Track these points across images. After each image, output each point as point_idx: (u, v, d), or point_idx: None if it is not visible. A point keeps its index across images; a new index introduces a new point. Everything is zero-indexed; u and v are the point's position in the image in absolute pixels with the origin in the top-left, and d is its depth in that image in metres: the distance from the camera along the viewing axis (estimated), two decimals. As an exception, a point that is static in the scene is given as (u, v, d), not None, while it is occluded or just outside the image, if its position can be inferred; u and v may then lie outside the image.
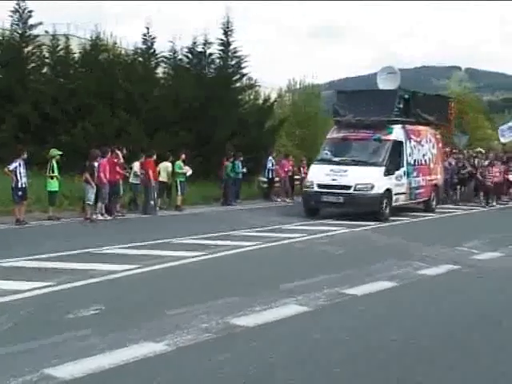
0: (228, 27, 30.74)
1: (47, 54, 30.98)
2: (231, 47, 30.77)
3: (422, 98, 23.18)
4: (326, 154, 21.02)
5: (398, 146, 20.76)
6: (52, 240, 14.34)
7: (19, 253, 12.12)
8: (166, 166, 21.82)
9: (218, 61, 30.98)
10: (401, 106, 21.12)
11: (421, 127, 22.83)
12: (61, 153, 18.41)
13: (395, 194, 20.30)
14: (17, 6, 30.28)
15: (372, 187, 19.24)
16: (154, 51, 30.76)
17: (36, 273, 10.46)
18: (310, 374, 6.21)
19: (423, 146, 22.65)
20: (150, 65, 30.77)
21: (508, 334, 7.72)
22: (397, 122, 21.02)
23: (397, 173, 20.42)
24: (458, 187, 27.51)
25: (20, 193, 16.80)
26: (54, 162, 17.99)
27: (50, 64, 31.11)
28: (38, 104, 28.41)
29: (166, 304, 8.67)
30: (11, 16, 30.53)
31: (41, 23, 30.91)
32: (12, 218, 16.68)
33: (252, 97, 34.26)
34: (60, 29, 33.51)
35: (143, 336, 7.17)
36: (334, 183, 19.38)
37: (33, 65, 30.87)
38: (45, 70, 31.16)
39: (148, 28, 30.25)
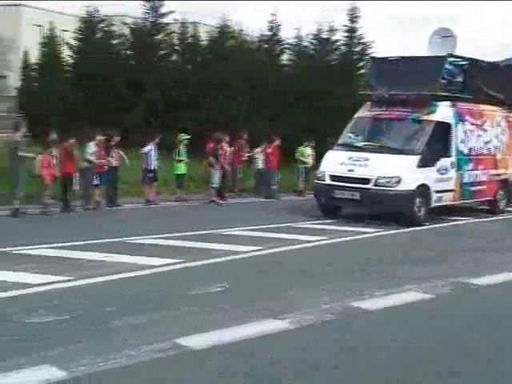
0: (354, 13, 30.65)
1: (176, 42, 32.03)
2: (356, 33, 30.70)
3: (486, 69, 17.86)
4: (349, 137, 16.62)
5: (443, 130, 16.11)
6: (179, 220, 15.06)
7: (150, 231, 12.71)
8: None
9: (343, 47, 30.99)
10: (452, 77, 16.60)
11: (484, 106, 17.83)
12: (188, 137, 19.06)
13: (436, 192, 15.73)
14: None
15: (398, 181, 14.85)
16: (280, 38, 31.17)
17: (166, 250, 10.98)
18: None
19: (486, 130, 17.71)
20: (275, 51, 31.18)
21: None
22: (445, 99, 16.33)
23: (439, 164, 15.79)
24: None
25: (151, 175, 17.60)
26: (181, 147, 18.68)
27: (178, 51, 32.14)
28: (166, 90, 29.41)
29: (288, 284, 8.92)
30: (144, 5, 31.76)
31: (172, 12, 31.97)
32: (142, 199, 17.48)
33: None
34: (189, 17, 34.42)
35: (266, 313, 7.41)
36: (350, 175, 15.20)
37: (162, 52, 31.98)
38: (174, 58, 32.23)
39: (274, 15, 30.66)
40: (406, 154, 15.37)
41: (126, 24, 32.38)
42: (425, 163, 15.33)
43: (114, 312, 7.32)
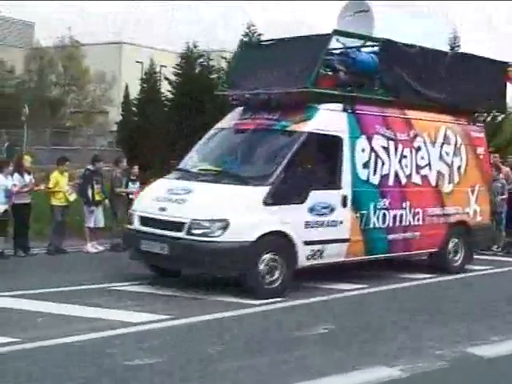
0: (455, 43, 29.87)
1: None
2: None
3: (421, 58, 11.95)
4: (191, 158, 11.45)
5: (326, 146, 10.63)
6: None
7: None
8: None
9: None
10: (350, 68, 11.25)
11: (418, 113, 12.08)
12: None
13: (308, 244, 10.18)
14: (247, 30, 31.72)
15: (224, 227, 9.50)
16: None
17: None
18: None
19: (421, 149, 12.00)
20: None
21: None
22: (334, 99, 10.85)
23: (314, 199, 10.22)
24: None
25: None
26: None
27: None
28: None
29: (398, 326, 8.48)
30: (241, 40, 32.06)
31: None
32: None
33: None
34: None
35: (375, 359, 6.98)
36: (160, 216, 10.04)
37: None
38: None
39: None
40: (248, 183, 10.01)
41: (224, 58, 32.75)
42: (281, 198, 9.89)
43: (218, 353, 7.05)
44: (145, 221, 10.29)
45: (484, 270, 13.31)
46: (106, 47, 57.87)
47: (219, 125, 11.77)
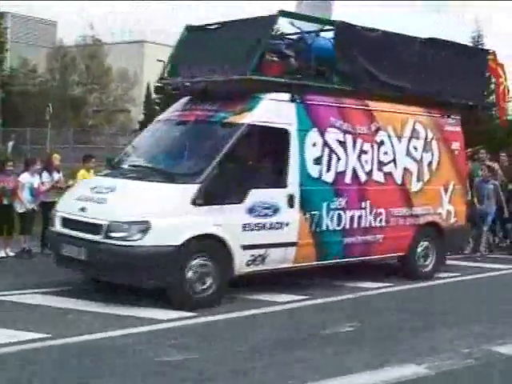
0: (478, 41, 29.72)
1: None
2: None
3: (377, 41, 10.70)
4: (126, 153, 10.72)
5: (270, 140, 9.56)
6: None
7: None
8: None
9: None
10: (301, 53, 10.18)
11: (381, 104, 10.88)
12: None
13: (247, 248, 9.16)
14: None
15: (144, 230, 8.49)
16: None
17: (289, 285, 10.45)
18: None
19: (384, 144, 10.86)
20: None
21: None
22: (282, 88, 9.70)
23: (254, 198, 9.18)
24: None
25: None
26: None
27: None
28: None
29: (424, 324, 8.48)
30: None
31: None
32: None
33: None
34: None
35: (402, 356, 7.01)
36: (79, 217, 9.09)
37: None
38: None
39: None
40: (176, 181, 8.98)
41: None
42: (214, 198, 8.85)
43: (246, 351, 7.09)
44: (65, 222, 9.37)
45: (506, 269, 13.14)
46: (128, 46, 58.19)
47: (160, 116, 10.96)
